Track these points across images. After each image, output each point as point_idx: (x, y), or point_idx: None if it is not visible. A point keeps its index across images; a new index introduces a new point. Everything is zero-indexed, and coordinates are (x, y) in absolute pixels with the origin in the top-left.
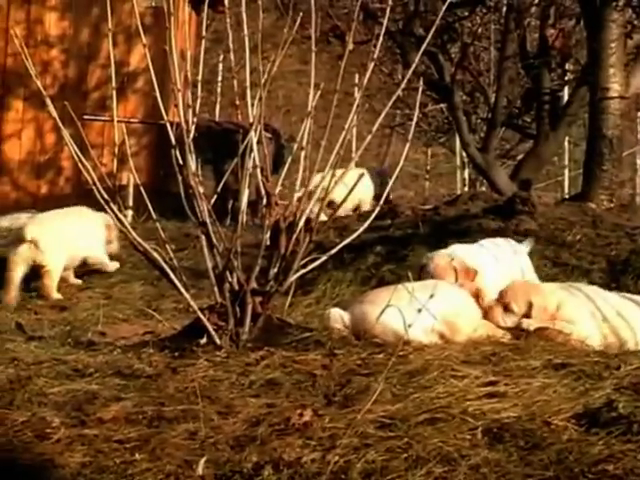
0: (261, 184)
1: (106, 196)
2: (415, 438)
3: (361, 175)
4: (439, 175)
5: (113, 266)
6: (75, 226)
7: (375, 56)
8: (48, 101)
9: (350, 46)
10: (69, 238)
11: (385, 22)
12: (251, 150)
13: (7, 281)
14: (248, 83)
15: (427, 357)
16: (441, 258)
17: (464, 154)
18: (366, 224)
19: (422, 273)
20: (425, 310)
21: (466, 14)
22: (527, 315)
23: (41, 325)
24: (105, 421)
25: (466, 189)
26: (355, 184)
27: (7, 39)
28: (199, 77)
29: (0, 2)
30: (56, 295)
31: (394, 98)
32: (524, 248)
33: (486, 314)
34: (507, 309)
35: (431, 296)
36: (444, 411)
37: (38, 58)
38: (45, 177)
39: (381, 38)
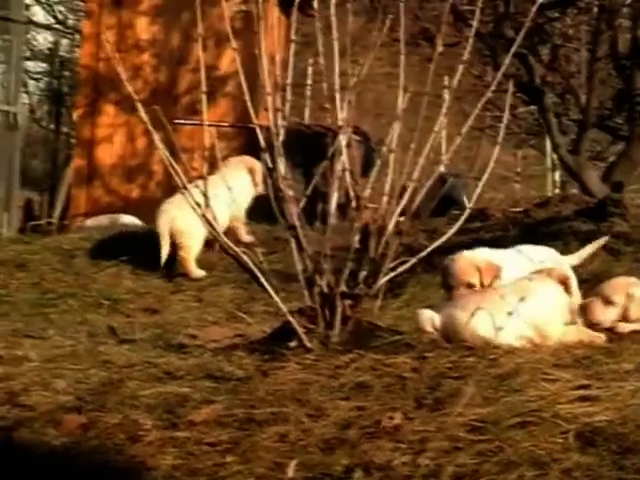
0: (350, 187)
1: (197, 199)
2: (506, 442)
3: None
4: (529, 177)
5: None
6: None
7: (465, 58)
8: (139, 105)
9: (440, 48)
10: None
11: (475, 24)
12: (340, 153)
13: None
14: (337, 86)
15: (518, 360)
16: (463, 258)
17: (555, 156)
18: (456, 227)
19: (445, 275)
20: (516, 315)
21: (557, 15)
22: (627, 308)
23: (133, 328)
24: (196, 424)
25: (557, 191)
26: None
27: (99, 44)
28: (289, 80)
29: (92, 7)
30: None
31: (484, 100)
32: (568, 260)
33: (582, 310)
34: (607, 302)
35: (522, 299)
36: (535, 414)
37: (129, 63)
38: (136, 181)
39: (471, 40)
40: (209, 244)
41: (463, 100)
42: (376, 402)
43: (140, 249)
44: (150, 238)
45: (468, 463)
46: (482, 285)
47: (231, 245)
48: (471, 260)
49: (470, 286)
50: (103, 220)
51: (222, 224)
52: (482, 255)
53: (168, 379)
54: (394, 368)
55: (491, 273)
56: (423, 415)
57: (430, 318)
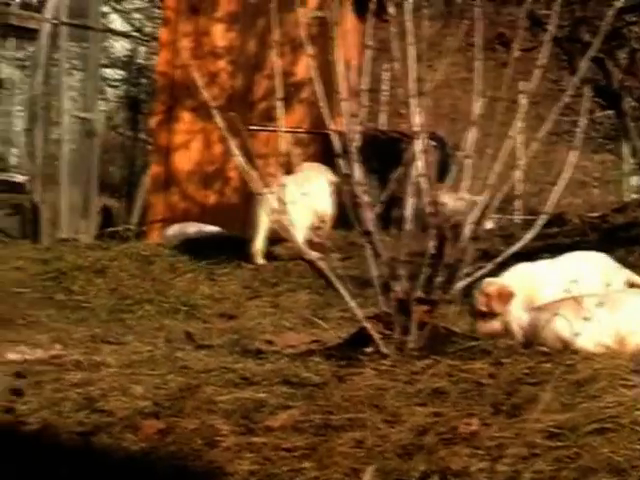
0: (426, 192)
1: (274, 205)
2: (584, 448)
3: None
4: (607, 182)
5: None
6: None
7: (541, 63)
8: (215, 112)
9: (516, 53)
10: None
11: (551, 28)
12: (416, 158)
13: None
14: (413, 92)
15: (596, 366)
16: (481, 287)
17: (632, 161)
18: (533, 232)
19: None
20: (597, 322)
21: (634, 19)
22: None
23: (210, 334)
24: (273, 429)
25: (634, 196)
26: None
27: (176, 51)
28: (364, 86)
29: (168, 15)
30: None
31: (560, 105)
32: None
33: None
34: None
35: (600, 304)
36: (614, 421)
37: (206, 69)
38: (213, 187)
39: (547, 44)
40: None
41: (540, 105)
42: (453, 408)
43: (217, 255)
44: (227, 244)
45: (546, 469)
46: (491, 312)
47: (307, 250)
48: (483, 287)
49: (482, 314)
50: (184, 228)
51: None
52: (501, 279)
53: (245, 384)
54: (471, 374)
55: (501, 301)
56: (500, 421)
57: (518, 316)
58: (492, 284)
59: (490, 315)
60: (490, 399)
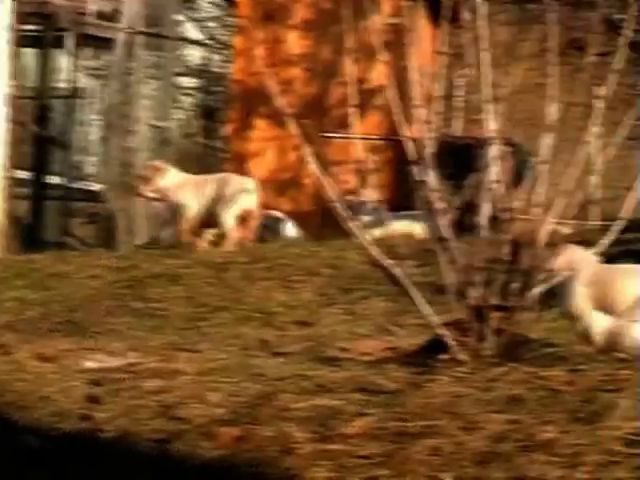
0: (501, 199)
1: (347, 212)
2: None
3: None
4: None
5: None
6: None
7: (617, 67)
8: (290, 119)
9: (591, 58)
10: None
11: (627, 32)
12: (491, 165)
13: None
14: (489, 97)
15: None
16: None
17: None
18: (609, 237)
19: None
20: None
21: None
22: None
23: (285, 341)
24: (349, 436)
25: None
26: None
27: (250, 59)
28: (439, 92)
29: (243, 23)
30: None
31: (637, 110)
32: None
33: None
34: None
35: None
36: None
37: (280, 77)
38: (288, 195)
39: (623, 49)
40: None
41: (616, 110)
42: (530, 415)
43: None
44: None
45: (625, 477)
46: None
47: (382, 257)
48: None
49: None
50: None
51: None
52: None
53: (320, 392)
54: (548, 381)
55: None
56: (578, 428)
57: (600, 322)
58: None
59: None
60: (567, 406)
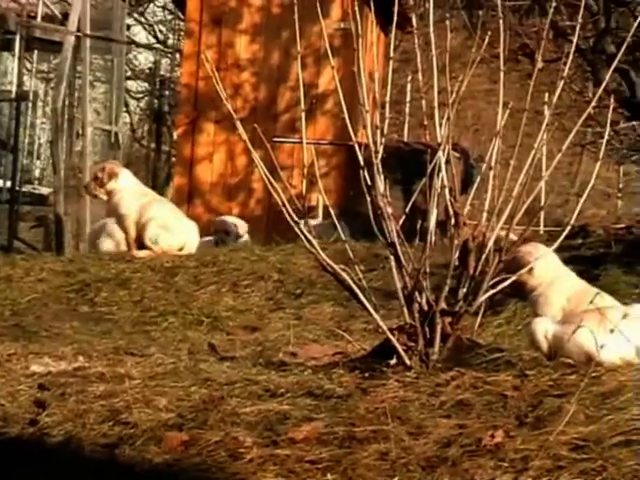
0: (449, 204)
1: (296, 217)
2: (609, 460)
3: None
4: (632, 194)
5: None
6: None
7: (565, 74)
8: (239, 124)
9: (539, 64)
10: None
11: (575, 39)
12: (440, 170)
13: None
14: (436, 103)
15: (621, 378)
16: None
17: None
18: (556, 244)
19: None
20: (622, 334)
21: None
22: None
23: (233, 346)
24: (297, 441)
25: None
26: None
27: (199, 63)
28: (387, 98)
29: (192, 27)
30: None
31: (585, 116)
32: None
33: None
34: None
35: (624, 317)
36: (639, 433)
37: (229, 81)
38: (236, 199)
39: (571, 56)
40: None
41: (564, 116)
42: (477, 420)
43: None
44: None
45: None
46: None
47: (330, 263)
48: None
49: None
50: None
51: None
52: None
53: (268, 397)
54: (495, 386)
55: None
56: (525, 433)
57: (545, 328)
58: None
59: None
60: (514, 411)
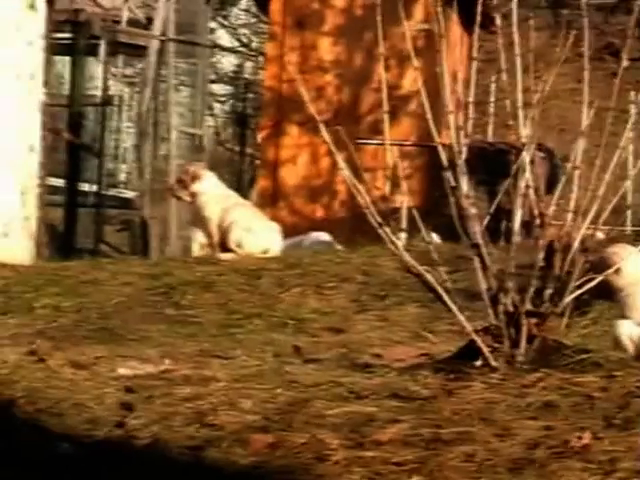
0: (534, 204)
1: (380, 219)
2: None
3: None
4: None
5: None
6: None
7: None
8: (322, 126)
9: (625, 63)
10: None
11: None
12: (524, 170)
13: None
14: (520, 103)
15: None
16: None
17: None
18: None
19: None
20: None
21: None
22: None
23: (318, 348)
24: (382, 443)
25: None
26: None
27: (282, 66)
28: (471, 98)
29: (275, 30)
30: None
31: None
32: None
33: None
34: None
35: None
36: None
37: (312, 84)
38: (320, 201)
39: None
40: None
41: None
42: (564, 421)
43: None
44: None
45: None
46: None
47: (415, 264)
48: None
49: None
50: (300, 240)
51: None
52: None
53: (353, 398)
54: (582, 387)
55: None
56: (612, 435)
57: (629, 331)
58: None
59: None
60: (602, 412)
